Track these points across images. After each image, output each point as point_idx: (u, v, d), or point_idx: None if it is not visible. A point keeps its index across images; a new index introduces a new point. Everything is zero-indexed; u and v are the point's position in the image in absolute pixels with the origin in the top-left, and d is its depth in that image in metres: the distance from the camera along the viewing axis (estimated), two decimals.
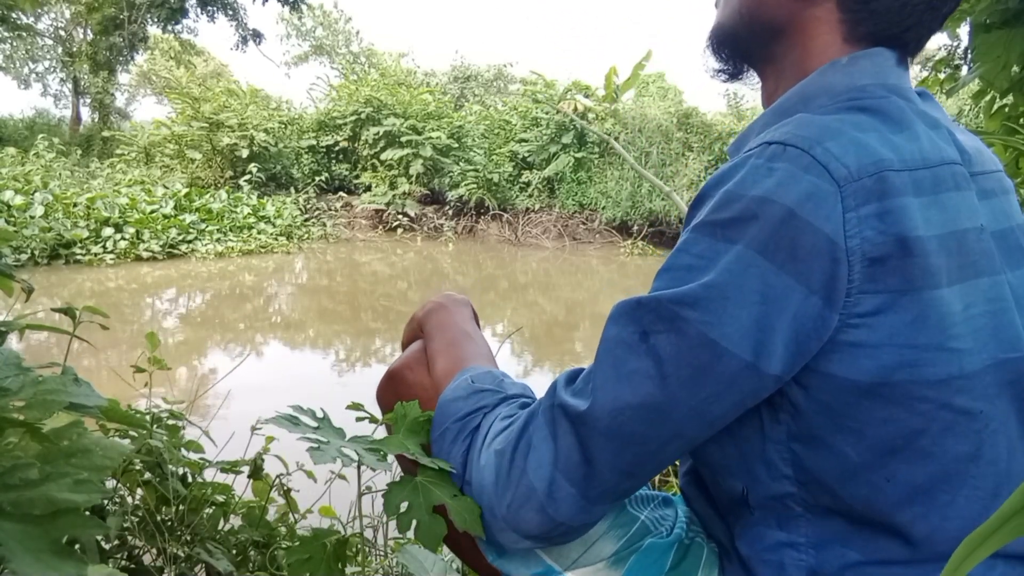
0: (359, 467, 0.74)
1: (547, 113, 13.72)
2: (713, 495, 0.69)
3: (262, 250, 10.87)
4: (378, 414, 0.80)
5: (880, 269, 0.52)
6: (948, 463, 0.54)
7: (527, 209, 13.94)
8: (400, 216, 13.39)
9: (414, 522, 0.65)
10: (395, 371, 0.81)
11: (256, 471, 1.26)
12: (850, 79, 0.61)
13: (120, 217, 9.63)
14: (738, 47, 0.73)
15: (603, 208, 13.51)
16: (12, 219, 8.53)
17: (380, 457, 0.68)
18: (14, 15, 15.61)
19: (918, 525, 0.55)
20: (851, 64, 0.63)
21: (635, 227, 13.17)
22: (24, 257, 8.26)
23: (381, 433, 0.77)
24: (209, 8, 15.31)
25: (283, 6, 13.28)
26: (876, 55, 0.63)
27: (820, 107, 0.60)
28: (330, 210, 13.71)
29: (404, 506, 0.66)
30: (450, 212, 14.15)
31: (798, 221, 0.52)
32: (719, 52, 0.75)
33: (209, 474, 1.22)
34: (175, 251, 9.82)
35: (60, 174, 11.53)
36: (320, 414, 0.73)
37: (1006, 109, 2.02)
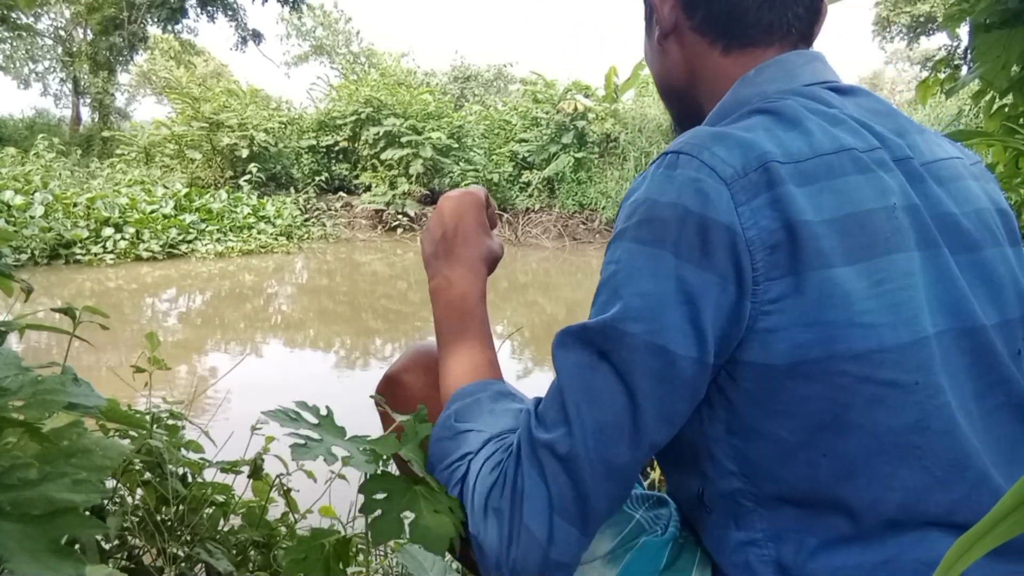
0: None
1: (547, 113, 13.72)
2: (678, 501, 0.70)
3: (262, 250, 10.87)
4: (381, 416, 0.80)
5: (779, 255, 0.55)
6: (883, 435, 0.54)
7: (527, 209, 13.94)
8: (400, 216, 13.39)
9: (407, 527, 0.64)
10: (392, 375, 0.83)
11: (256, 471, 1.26)
12: (758, 88, 0.66)
13: (120, 217, 9.63)
14: (684, 114, 0.79)
15: (603, 208, 13.51)
16: (12, 219, 8.53)
17: (370, 459, 0.66)
18: (14, 15, 15.62)
19: (859, 496, 0.55)
20: (758, 75, 0.67)
21: None
22: (24, 257, 8.26)
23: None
24: (209, 8, 15.33)
25: (283, 6, 13.30)
26: (783, 62, 0.67)
27: (733, 119, 0.64)
28: (330, 210, 13.71)
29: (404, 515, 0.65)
30: None
31: (698, 218, 0.56)
32: (674, 117, 0.82)
33: (209, 474, 1.22)
34: (175, 251, 9.82)
35: (60, 174, 11.53)
36: (324, 411, 0.73)
37: (1006, 109, 2.02)
